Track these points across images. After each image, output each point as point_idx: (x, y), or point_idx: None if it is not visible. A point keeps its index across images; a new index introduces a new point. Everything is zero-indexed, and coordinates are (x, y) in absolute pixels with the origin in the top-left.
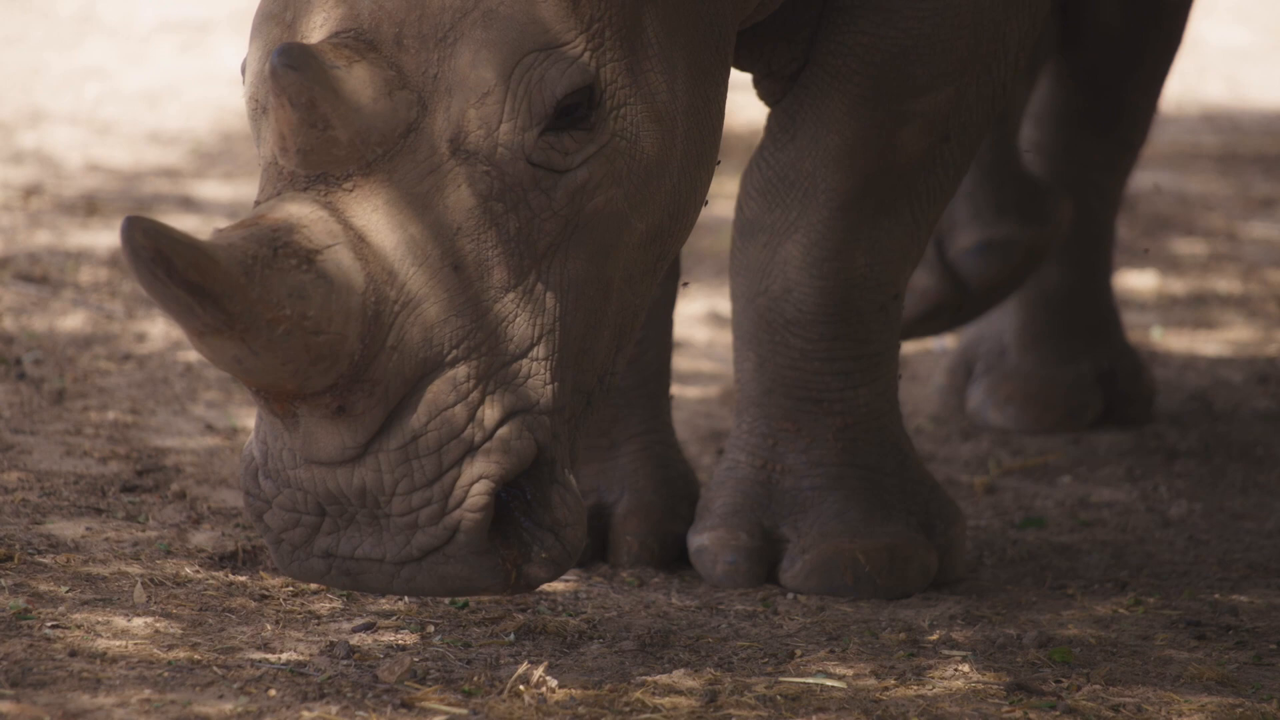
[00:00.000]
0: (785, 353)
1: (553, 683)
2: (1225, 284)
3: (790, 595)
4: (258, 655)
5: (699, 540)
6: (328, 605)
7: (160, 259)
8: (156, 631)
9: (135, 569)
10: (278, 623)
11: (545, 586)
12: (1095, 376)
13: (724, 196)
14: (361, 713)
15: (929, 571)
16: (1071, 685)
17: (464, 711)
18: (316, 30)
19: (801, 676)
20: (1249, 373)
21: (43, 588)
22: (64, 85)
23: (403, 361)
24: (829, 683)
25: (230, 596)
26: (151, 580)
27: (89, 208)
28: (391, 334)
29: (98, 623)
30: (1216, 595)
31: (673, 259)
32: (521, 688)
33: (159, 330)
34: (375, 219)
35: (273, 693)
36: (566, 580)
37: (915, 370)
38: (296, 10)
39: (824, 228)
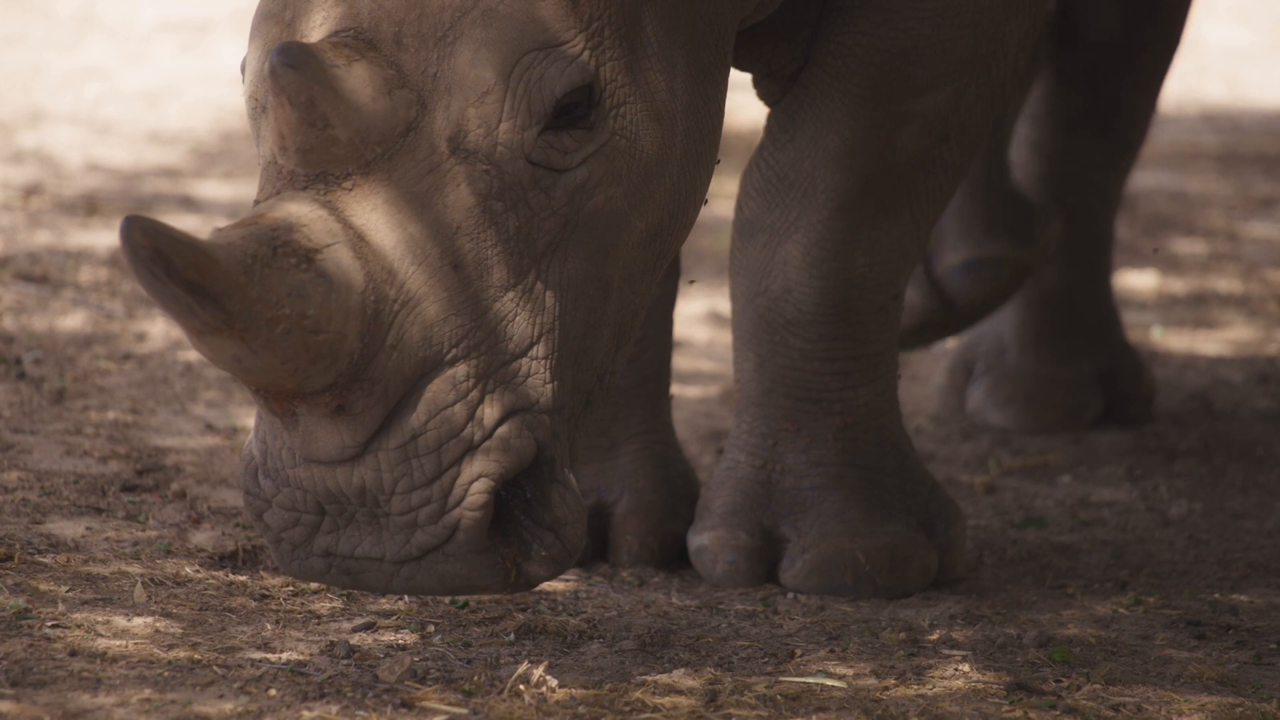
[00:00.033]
0: (785, 353)
1: (553, 682)
2: (1225, 284)
3: (790, 595)
4: (258, 655)
5: (699, 540)
6: (328, 605)
7: (160, 258)
8: (156, 631)
9: (135, 569)
10: (278, 622)
11: (545, 586)
12: (1095, 376)
13: (724, 196)
14: (361, 712)
15: (929, 571)
16: (1071, 685)
17: (464, 711)
18: (316, 29)
19: (801, 676)
20: (1249, 372)
21: (43, 587)
22: (64, 85)
23: (402, 360)
24: (829, 682)
25: (230, 596)
26: (151, 580)
27: (89, 207)
28: (391, 333)
29: (98, 622)
30: (1216, 595)
31: (672, 258)
32: (522, 687)
33: (159, 330)
34: (375, 218)
35: (273, 692)
36: (566, 580)
37: (915, 370)
38: (296, 9)
39: (823, 228)
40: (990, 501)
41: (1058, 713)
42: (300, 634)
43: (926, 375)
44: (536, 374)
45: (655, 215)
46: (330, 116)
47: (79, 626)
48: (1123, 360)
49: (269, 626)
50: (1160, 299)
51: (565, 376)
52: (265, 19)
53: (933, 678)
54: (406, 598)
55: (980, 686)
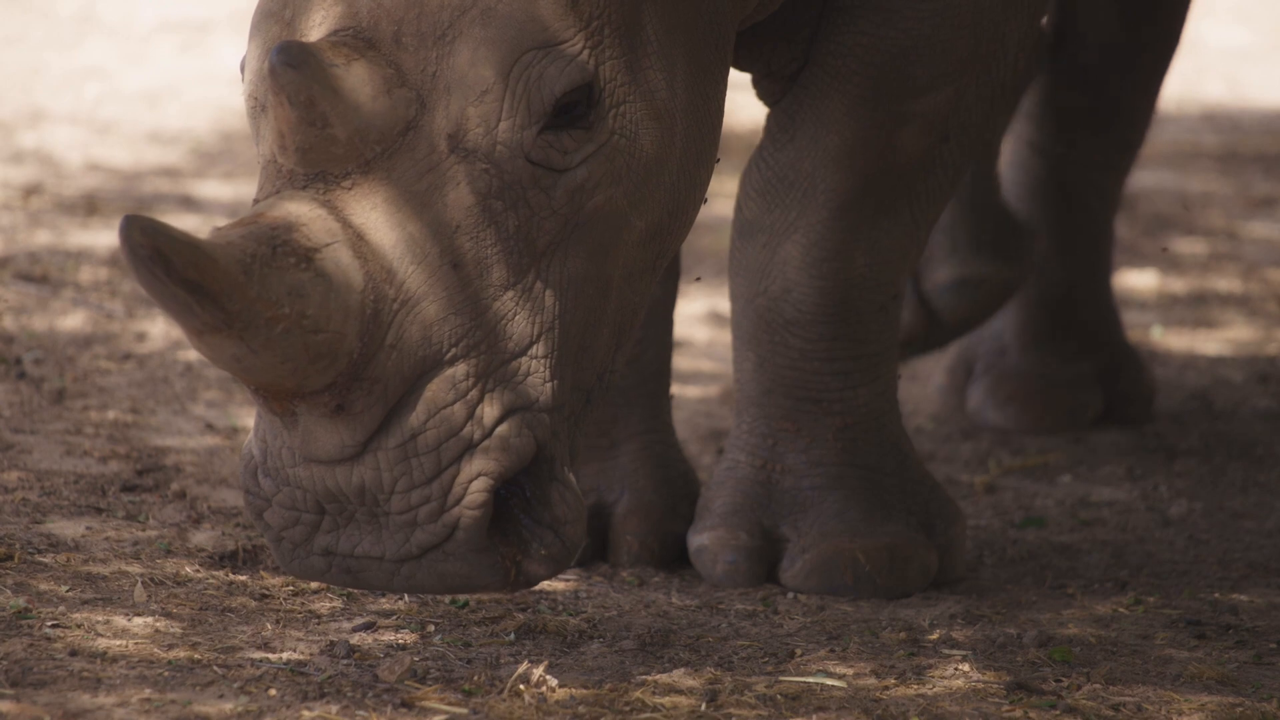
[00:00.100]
0: (785, 353)
1: (553, 682)
2: (1225, 283)
3: (790, 595)
4: (258, 655)
5: (699, 540)
6: (328, 605)
7: (159, 258)
8: (156, 631)
9: (135, 568)
10: (278, 622)
11: (545, 585)
12: (1095, 376)
13: (724, 195)
14: (362, 712)
15: (929, 571)
16: (1071, 684)
17: (464, 711)
18: (315, 28)
19: (802, 676)
20: (1249, 372)
21: (43, 587)
22: (64, 85)
23: (401, 360)
24: (829, 682)
25: (230, 596)
26: (151, 580)
27: (89, 207)
28: (390, 332)
29: (98, 622)
30: (1216, 594)
31: (672, 257)
32: (522, 687)
33: (159, 330)
34: (374, 217)
35: (273, 692)
36: (567, 580)
37: (915, 370)
38: (295, 8)
39: (823, 228)
40: (990, 501)
41: (1058, 712)
42: (300, 634)
43: (926, 375)
44: (536, 373)
45: (655, 214)
46: (329, 115)
47: (79, 626)
48: (1123, 360)
49: (269, 626)
50: (1160, 299)
51: (565, 375)
52: (265, 18)
53: (933, 677)
54: (406, 597)
55: (980, 686)
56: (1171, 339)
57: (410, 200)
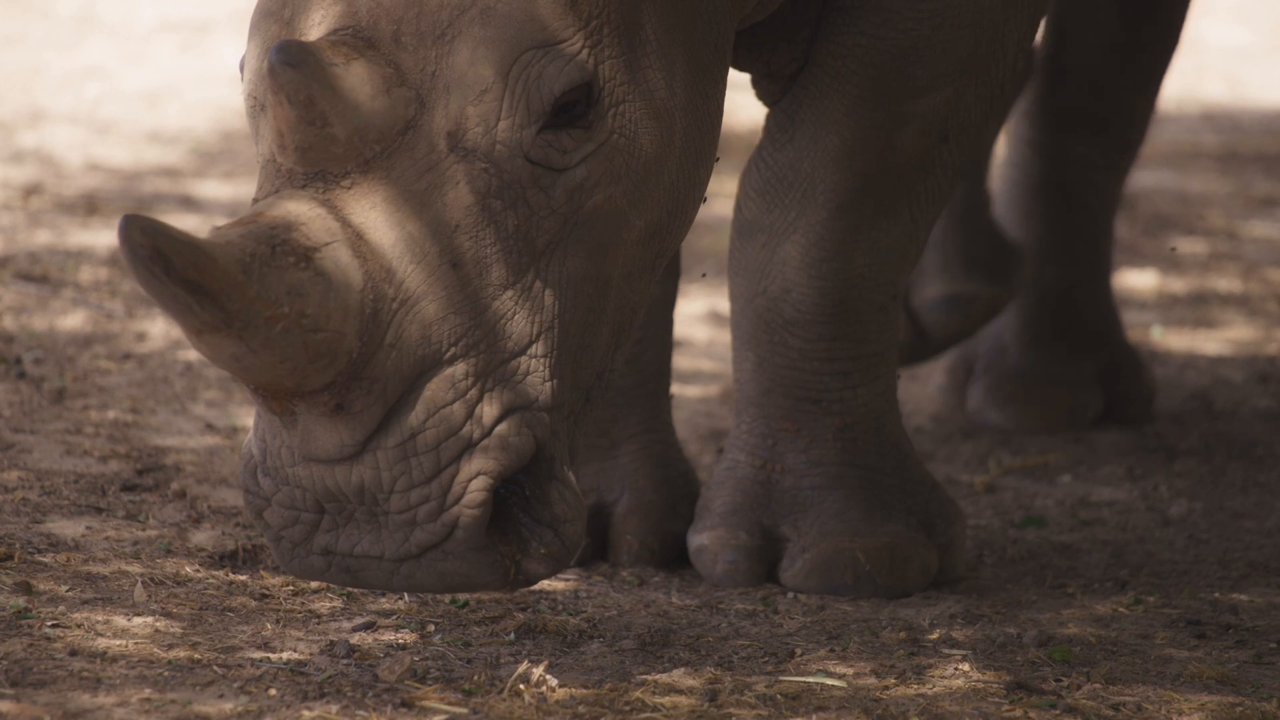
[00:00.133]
0: (784, 353)
1: (553, 682)
2: (1225, 283)
3: (790, 594)
4: (258, 654)
5: (699, 539)
6: (328, 604)
7: (158, 257)
8: (156, 631)
9: (135, 568)
10: (278, 622)
11: (545, 585)
12: (1095, 376)
13: (723, 195)
14: (362, 712)
15: (929, 571)
16: (1071, 684)
17: (464, 711)
18: (315, 27)
19: (802, 675)
20: (1249, 372)
21: (43, 587)
22: (64, 85)
23: (401, 359)
24: (829, 682)
25: (230, 596)
26: (151, 579)
27: (89, 207)
28: (390, 331)
29: (98, 622)
30: (1216, 594)
31: (671, 256)
32: (522, 687)
33: (159, 329)
34: (373, 216)
35: (273, 692)
36: (566, 579)
37: (915, 370)
38: (295, 7)
39: (823, 228)
40: (990, 501)
41: (1058, 712)
42: (300, 633)
43: (926, 375)
44: (535, 372)
45: (654, 214)
46: (329, 115)
47: (79, 626)
48: (1123, 360)
49: (269, 626)
50: (1160, 299)
51: (564, 374)
52: (264, 17)
53: (933, 677)
54: (406, 597)
55: (980, 686)
56: (1171, 339)
57: (409, 199)
